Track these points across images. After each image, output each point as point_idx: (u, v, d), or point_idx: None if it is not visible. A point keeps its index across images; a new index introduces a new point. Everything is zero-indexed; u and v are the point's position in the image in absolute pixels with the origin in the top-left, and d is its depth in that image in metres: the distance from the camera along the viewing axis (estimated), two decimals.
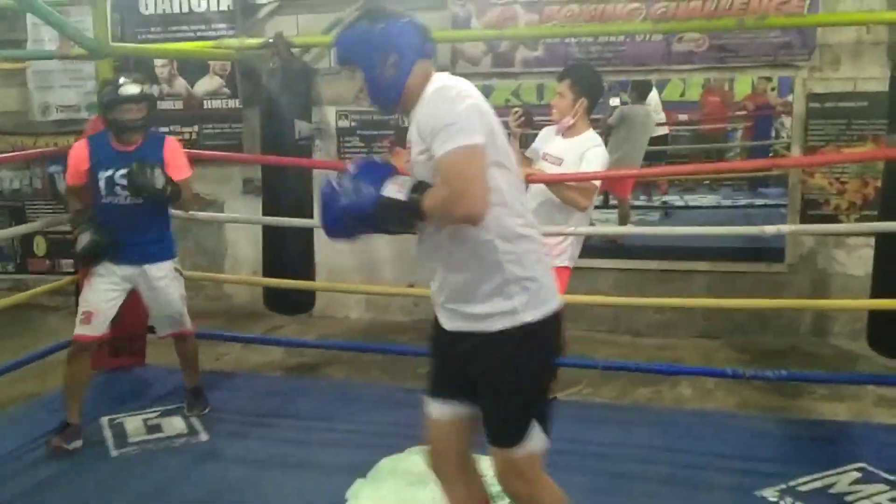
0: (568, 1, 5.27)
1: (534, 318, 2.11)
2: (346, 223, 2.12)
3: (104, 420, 4.11)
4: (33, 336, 5.47)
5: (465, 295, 2.14)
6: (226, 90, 6.07)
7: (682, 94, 10.63)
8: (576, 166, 3.82)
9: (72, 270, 5.90)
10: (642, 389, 4.47)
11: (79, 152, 3.81)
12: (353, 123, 5.84)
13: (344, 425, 4.06)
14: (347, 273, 5.86)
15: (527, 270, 2.11)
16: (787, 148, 6.14)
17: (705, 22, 4.93)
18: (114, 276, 3.82)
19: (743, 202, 9.19)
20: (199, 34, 5.86)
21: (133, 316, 4.30)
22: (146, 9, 6.03)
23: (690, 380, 4.55)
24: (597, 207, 5.86)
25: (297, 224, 4.83)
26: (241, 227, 6.07)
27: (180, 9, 5.98)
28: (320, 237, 5.25)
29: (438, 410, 2.32)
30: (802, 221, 5.11)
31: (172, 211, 4.09)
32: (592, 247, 4.27)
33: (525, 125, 4.02)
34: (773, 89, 9.71)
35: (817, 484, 3.31)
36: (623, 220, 7.18)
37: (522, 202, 2.19)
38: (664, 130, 9.95)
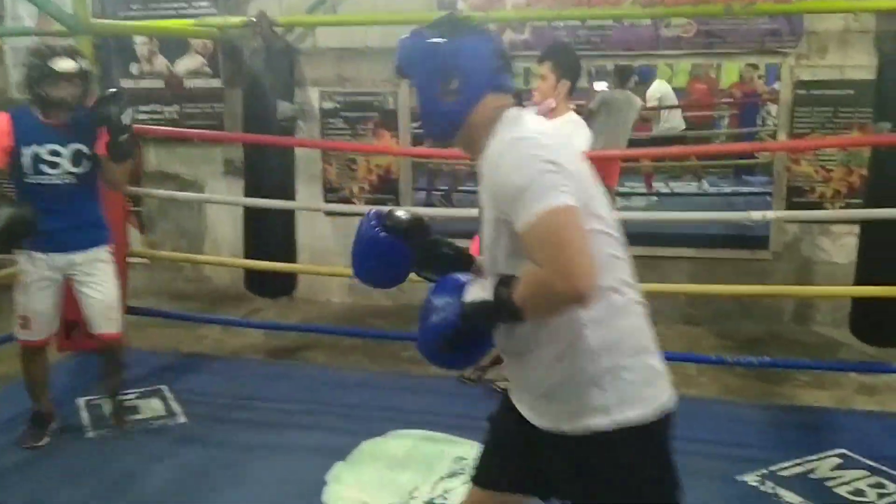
0: None
1: (636, 416, 1.65)
2: (442, 348, 1.73)
3: (81, 401, 4.05)
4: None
5: (546, 383, 1.72)
6: (207, 69, 5.98)
7: (670, 81, 10.65)
8: None
9: None
10: None
11: None
12: (336, 105, 5.77)
13: (324, 409, 4.04)
14: (330, 256, 5.81)
15: (626, 356, 1.67)
16: (774, 136, 6.14)
17: (693, 7, 4.89)
18: (42, 269, 3.44)
19: (728, 190, 9.23)
20: (180, 12, 5.77)
21: None
22: None
23: (673, 366, 4.44)
24: None
25: (279, 206, 4.78)
26: (222, 208, 6.00)
27: None
28: (302, 218, 5.26)
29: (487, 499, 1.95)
30: (788, 209, 5.11)
31: (150, 191, 3.99)
32: None
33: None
34: (760, 77, 9.76)
35: (798, 469, 3.32)
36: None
37: (626, 270, 1.74)
38: (678, 122, 9.95)
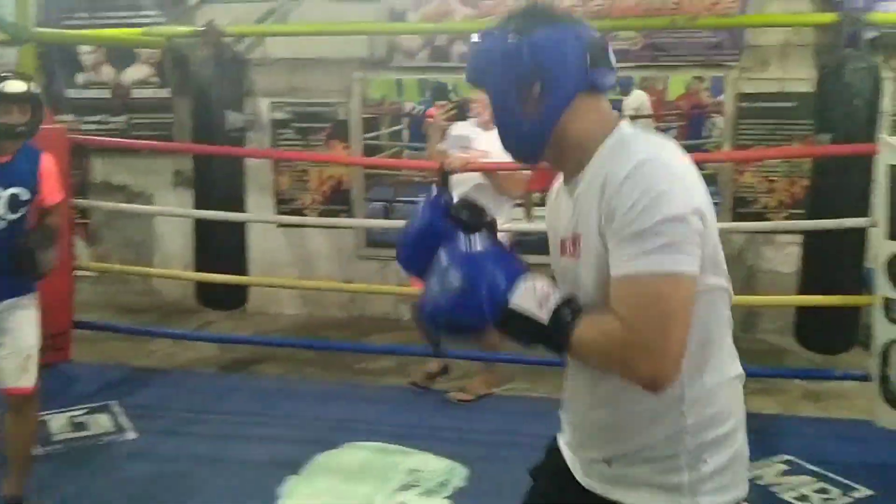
0: None
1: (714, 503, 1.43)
2: (443, 326, 1.45)
3: None
4: None
5: (613, 445, 1.48)
6: (155, 79, 5.91)
7: (618, 93, 10.81)
8: (503, 158, 3.81)
9: None
10: None
11: None
12: (287, 115, 5.75)
13: (277, 422, 4.01)
14: (282, 268, 5.77)
15: (714, 435, 1.42)
16: (720, 147, 6.26)
17: (638, 20, 5.01)
18: None
19: None
20: (127, 21, 5.69)
21: (56, 312, 4.14)
22: None
23: None
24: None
25: (230, 218, 4.74)
26: (172, 220, 5.92)
27: None
28: (253, 230, 5.21)
29: None
30: (733, 219, 5.22)
31: (98, 203, 3.89)
32: (528, 243, 4.28)
33: (453, 119, 3.99)
34: (706, 89, 9.94)
35: None
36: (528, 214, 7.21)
37: (729, 335, 1.48)
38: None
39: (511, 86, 1.42)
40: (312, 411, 4.12)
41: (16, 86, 3.01)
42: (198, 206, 4.94)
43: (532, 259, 1.68)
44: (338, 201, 5.78)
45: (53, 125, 4.13)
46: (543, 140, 1.44)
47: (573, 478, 1.56)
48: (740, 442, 1.47)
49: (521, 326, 1.36)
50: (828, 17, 4.55)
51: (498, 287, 1.36)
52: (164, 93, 5.90)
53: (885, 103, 4.60)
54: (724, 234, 5.01)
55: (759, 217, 5.18)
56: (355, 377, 4.65)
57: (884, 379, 3.44)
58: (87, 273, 5.48)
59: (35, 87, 3.11)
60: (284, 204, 5.82)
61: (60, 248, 3.26)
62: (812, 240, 4.33)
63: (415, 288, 1.96)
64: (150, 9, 5.74)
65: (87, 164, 5.94)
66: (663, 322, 1.27)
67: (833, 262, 4.15)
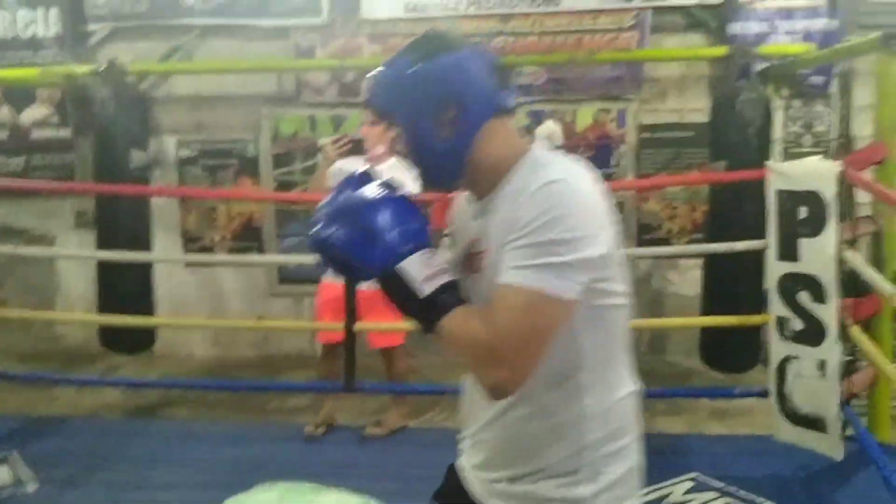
0: (412, 33, 5.33)
1: None
2: (333, 257, 1.44)
3: None
4: None
5: (517, 464, 1.50)
6: (55, 119, 5.76)
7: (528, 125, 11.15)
8: None
9: None
10: None
11: None
12: (194, 152, 5.67)
13: (187, 465, 3.89)
14: (192, 308, 5.66)
15: (613, 448, 1.49)
16: (624, 176, 6.46)
17: (540, 56, 5.16)
18: None
19: None
20: (25, 61, 5.55)
21: None
22: None
23: None
24: None
25: (134, 259, 4.63)
26: (74, 262, 5.75)
27: (5, 34, 5.65)
28: (160, 270, 5.10)
29: None
30: (638, 245, 5.37)
31: None
32: None
33: (346, 154, 3.95)
34: (612, 121, 10.26)
35: (654, 496, 3.43)
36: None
37: (627, 351, 1.55)
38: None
39: (424, 112, 1.43)
40: (223, 454, 4.01)
41: None
42: (101, 247, 4.80)
43: None
44: (248, 238, 5.72)
45: None
46: (461, 164, 1.46)
47: (472, 501, 1.59)
48: (636, 455, 1.54)
49: (400, 291, 1.39)
50: (719, 51, 4.77)
51: (395, 246, 1.38)
52: (64, 133, 5.75)
53: (777, 131, 4.84)
54: (630, 259, 5.14)
55: (664, 242, 5.35)
56: (267, 416, 4.57)
57: (780, 394, 3.56)
58: None
59: None
60: (192, 242, 5.72)
61: None
62: (712, 263, 4.48)
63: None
64: (49, 47, 5.61)
65: None
66: (527, 338, 1.31)
67: (733, 284, 4.29)
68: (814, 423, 3.45)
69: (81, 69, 5.05)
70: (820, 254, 3.38)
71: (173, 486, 3.68)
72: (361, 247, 1.39)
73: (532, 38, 5.25)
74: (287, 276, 5.75)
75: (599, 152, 10.87)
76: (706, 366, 4.62)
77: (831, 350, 3.37)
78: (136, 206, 4.80)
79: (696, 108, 5.23)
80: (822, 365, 3.39)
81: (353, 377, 4.01)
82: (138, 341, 4.89)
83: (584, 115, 12.26)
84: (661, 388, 4.80)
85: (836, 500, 3.43)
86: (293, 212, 8.35)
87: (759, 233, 3.74)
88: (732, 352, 4.46)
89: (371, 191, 1.44)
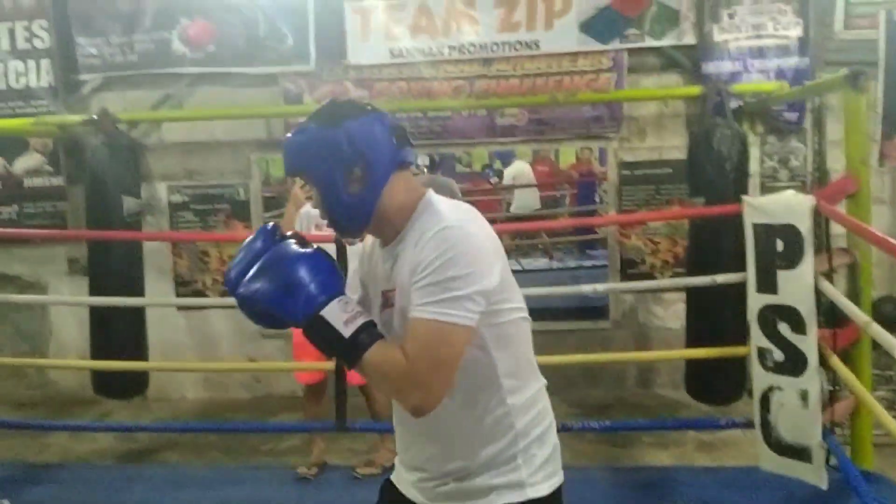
0: (397, 78, 5.48)
1: (545, 492, 1.71)
2: (256, 312, 1.63)
3: None
4: None
5: (456, 465, 1.71)
6: (48, 167, 5.84)
7: (501, 165, 11.46)
8: None
9: None
10: None
11: None
12: (185, 198, 5.76)
13: None
14: (184, 351, 5.69)
15: (538, 432, 1.73)
16: (606, 212, 6.58)
17: (522, 98, 5.29)
18: None
19: (573, 264, 9.72)
20: (18, 111, 5.65)
21: None
22: None
23: None
24: None
25: (126, 303, 4.69)
26: (67, 309, 5.80)
27: None
28: (152, 314, 5.15)
29: None
30: (622, 280, 5.46)
31: None
32: None
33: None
34: (595, 158, 10.46)
35: None
36: None
37: (532, 352, 1.80)
38: (531, 201, 10.57)
39: (335, 172, 1.62)
40: (216, 496, 4.04)
41: None
42: (93, 293, 4.87)
43: None
44: None
45: None
46: (369, 215, 1.66)
47: None
48: (555, 437, 1.79)
49: (323, 334, 1.57)
50: (695, 90, 4.90)
51: (315, 295, 1.56)
52: (57, 181, 5.83)
53: (753, 166, 4.96)
54: (615, 294, 5.20)
55: (647, 277, 5.43)
56: (260, 458, 4.60)
57: (765, 424, 3.62)
58: None
59: None
60: (184, 286, 5.78)
61: None
62: (694, 296, 4.56)
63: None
64: (42, 97, 5.71)
65: None
66: (437, 364, 1.54)
67: (716, 316, 4.35)
68: (798, 453, 3.50)
69: (74, 118, 5.16)
70: (798, 285, 3.46)
71: None
72: (284, 299, 1.57)
73: (514, 81, 5.39)
74: None
75: (583, 189, 11.10)
76: (692, 398, 4.68)
77: (812, 380, 3.43)
78: (128, 251, 4.88)
79: (674, 145, 5.35)
80: (804, 395, 3.45)
81: (344, 417, 4.04)
82: (131, 386, 4.93)
83: (567, 154, 12.48)
84: (645, 420, 4.87)
85: None
86: None
87: (740, 265, 3.82)
88: (717, 383, 4.50)
89: (286, 247, 1.61)
